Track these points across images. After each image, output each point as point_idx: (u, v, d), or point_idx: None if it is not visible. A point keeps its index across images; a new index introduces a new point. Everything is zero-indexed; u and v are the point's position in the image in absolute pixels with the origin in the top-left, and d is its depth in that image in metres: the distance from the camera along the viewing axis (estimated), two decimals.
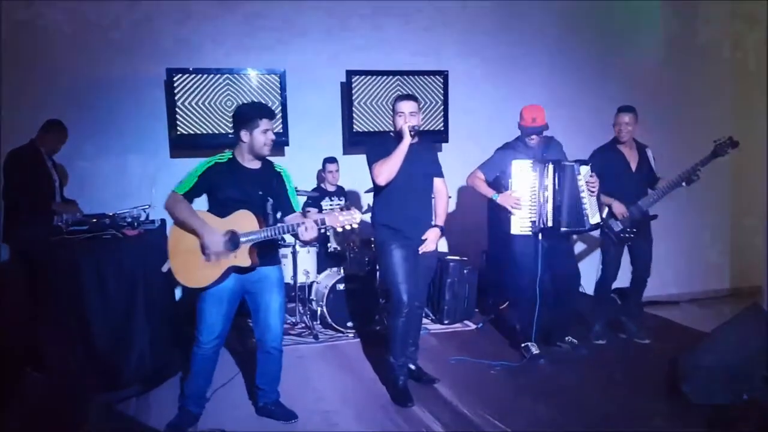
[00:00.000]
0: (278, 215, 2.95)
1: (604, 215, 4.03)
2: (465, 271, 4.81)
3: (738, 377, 3.00)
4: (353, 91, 5.17)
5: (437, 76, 5.36)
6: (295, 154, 5.21)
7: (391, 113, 3.34)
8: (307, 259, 4.70)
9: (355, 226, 2.77)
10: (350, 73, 5.16)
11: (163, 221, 3.95)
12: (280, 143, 5.06)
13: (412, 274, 3.26)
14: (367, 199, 5.34)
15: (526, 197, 3.73)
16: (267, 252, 2.90)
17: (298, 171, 4.99)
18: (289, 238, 4.80)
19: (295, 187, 4.40)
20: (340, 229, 2.77)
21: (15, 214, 4.10)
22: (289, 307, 4.95)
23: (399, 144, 3.19)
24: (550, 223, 3.71)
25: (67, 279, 3.21)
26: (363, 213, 5.24)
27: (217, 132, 4.77)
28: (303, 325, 4.60)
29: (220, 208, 2.81)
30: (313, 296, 4.69)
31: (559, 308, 4.00)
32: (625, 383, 3.50)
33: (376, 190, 3.33)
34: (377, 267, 4.70)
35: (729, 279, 6.01)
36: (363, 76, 5.18)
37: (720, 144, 3.81)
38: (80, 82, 4.76)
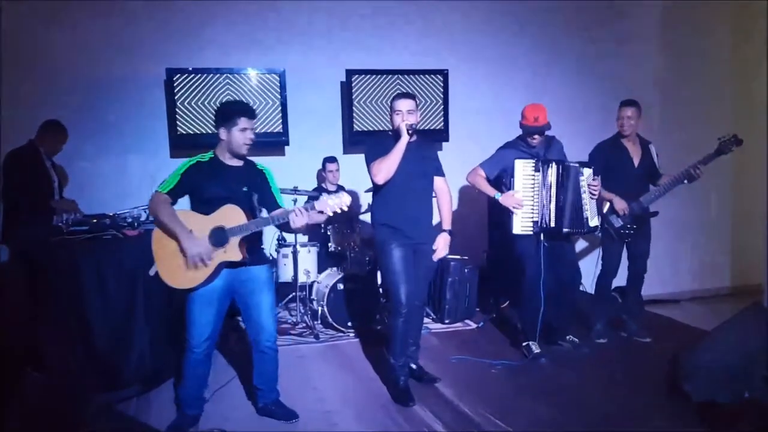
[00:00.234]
0: (263, 212, 2.94)
1: (605, 210, 4.03)
2: (466, 271, 4.81)
3: (739, 376, 2.99)
4: (353, 91, 5.17)
5: (437, 75, 5.36)
6: (296, 153, 5.21)
7: (390, 112, 3.34)
8: (308, 258, 4.70)
9: (345, 208, 2.76)
10: (350, 73, 5.16)
11: None
12: (280, 143, 5.07)
13: (411, 273, 3.25)
14: (367, 199, 5.34)
15: (528, 197, 3.73)
16: (254, 251, 2.90)
17: (298, 171, 5.02)
18: (289, 238, 4.82)
19: (296, 187, 4.47)
20: (330, 213, 2.76)
21: (14, 215, 4.10)
22: (289, 306, 4.97)
23: (397, 143, 3.19)
24: (552, 224, 3.70)
25: (67, 279, 3.21)
26: (362, 213, 5.31)
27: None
28: (304, 324, 4.60)
29: (204, 207, 2.79)
30: (313, 296, 4.68)
31: (560, 307, 4.00)
32: (625, 382, 3.50)
33: (376, 189, 3.33)
34: (378, 266, 4.70)
35: (730, 277, 6.01)
36: (363, 76, 5.18)
37: (724, 141, 3.80)
38: (80, 82, 4.76)
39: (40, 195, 4.15)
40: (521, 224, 3.75)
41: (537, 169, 3.71)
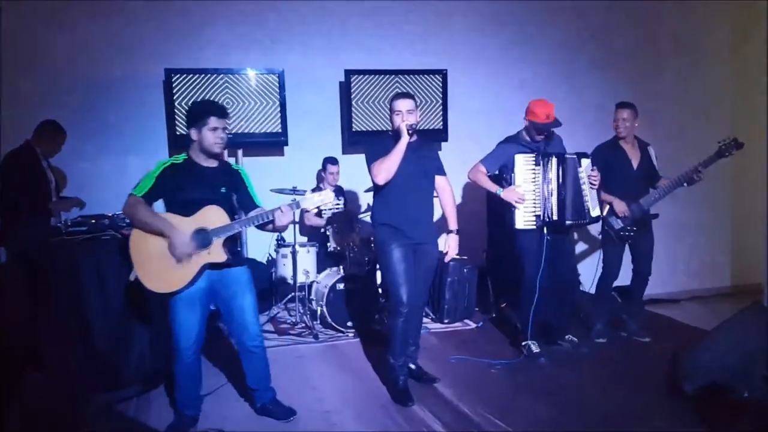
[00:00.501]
0: (241, 213, 2.93)
1: (605, 213, 4.03)
2: (465, 270, 4.81)
3: (739, 376, 2.99)
4: (352, 91, 5.17)
5: (436, 75, 5.35)
6: (295, 153, 5.22)
7: (389, 112, 3.34)
8: (307, 258, 4.70)
9: (329, 206, 2.80)
10: (349, 73, 5.16)
11: None
12: (279, 143, 5.07)
13: (412, 273, 3.25)
14: (367, 199, 5.36)
15: (530, 191, 3.73)
16: (234, 252, 2.89)
17: (297, 171, 5.03)
18: (289, 238, 4.82)
19: (295, 187, 4.47)
20: (315, 210, 2.80)
21: (13, 216, 4.10)
22: (288, 306, 4.97)
23: (397, 143, 3.19)
24: (555, 216, 3.70)
25: (67, 279, 3.21)
26: (362, 212, 5.31)
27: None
28: (303, 324, 4.60)
29: (183, 209, 2.74)
30: (313, 296, 4.68)
31: (560, 307, 4.01)
32: (625, 382, 3.50)
33: (376, 189, 3.33)
34: (377, 266, 4.71)
35: (730, 277, 6.01)
36: (362, 76, 5.18)
37: (724, 145, 3.80)
38: (80, 82, 4.77)
39: (38, 196, 4.15)
40: (524, 219, 3.74)
41: (537, 163, 3.71)
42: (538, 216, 3.73)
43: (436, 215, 3.46)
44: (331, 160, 5.01)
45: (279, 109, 4.96)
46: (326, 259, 4.86)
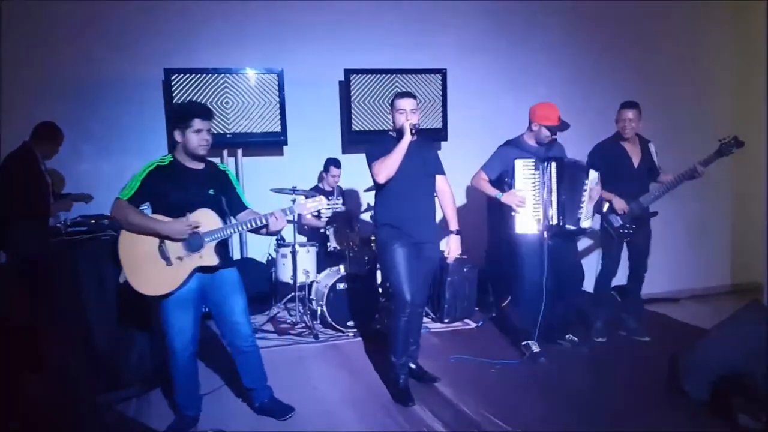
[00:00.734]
0: (230, 214, 2.92)
1: (604, 210, 4.03)
2: (465, 270, 4.81)
3: (738, 374, 2.99)
4: (352, 90, 5.17)
5: (436, 75, 5.35)
6: (294, 153, 5.22)
7: (390, 111, 3.33)
8: (307, 258, 4.70)
9: (323, 210, 2.82)
10: (349, 72, 5.15)
11: None
12: (278, 142, 5.07)
13: (414, 273, 3.25)
14: (367, 198, 5.36)
15: (530, 196, 3.73)
16: (224, 254, 2.88)
17: (296, 170, 5.02)
18: (289, 238, 4.82)
19: (294, 187, 4.47)
20: (309, 216, 2.82)
21: (12, 218, 4.09)
22: (289, 306, 4.97)
23: (399, 142, 3.18)
24: (554, 221, 3.70)
25: (67, 279, 3.21)
26: (363, 211, 5.31)
27: (214, 132, 4.73)
28: (303, 324, 4.59)
29: (170, 212, 2.72)
30: (313, 296, 4.68)
31: (561, 307, 4.00)
32: (625, 381, 3.50)
33: (377, 189, 3.32)
34: (377, 266, 4.70)
35: (730, 276, 6.01)
36: (362, 75, 5.18)
37: (725, 143, 3.81)
38: (79, 83, 4.76)
39: (37, 198, 4.15)
40: (524, 223, 3.74)
41: (537, 168, 3.72)
42: (538, 221, 3.73)
43: (437, 215, 3.46)
44: (334, 163, 5.00)
45: (278, 108, 4.96)
46: (326, 258, 4.86)
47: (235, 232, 2.79)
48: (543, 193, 3.71)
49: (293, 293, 4.71)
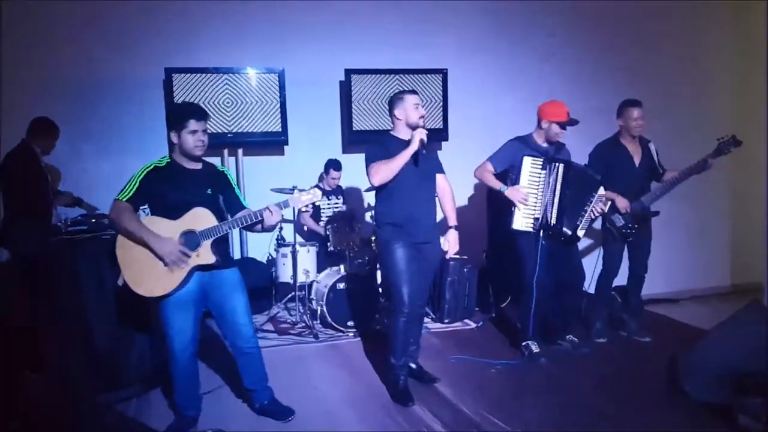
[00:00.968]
0: (229, 215, 2.91)
1: (606, 209, 4.03)
2: (465, 270, 4.81)
3: (738, 375, 3.00)
4: (352, 90, 5.16)
5: (436, 75, 5.35)
6: (295, 153, 5.21)
7: (393, 107, 3.30)
8: (307, 258, 4.70)
9: (317, 203, 2.79)
10: (349, 72, 5.15)
11: None
12: (279, 142, 5.07)
13: (414, 273, 3.25)
14: (368, 198, 5.35)
15: (533, 194, 3.72)
16: (223, 254, 2.87)
17: (297, 170, 5.02)
18: (289, 238, 4.82)
19: (295, 186, 4.46)
20: (304, 209, 2.81)
21: (15, 215, 4.10)
22: (289, 306, 4.97)
23: (403, 143, 3.19)
24: (553, 221, 3.69)
25: (67, 279, 3.21)
26: (364, 212, 5.31)
27: (215, 131, 4.76)
28: (303, 324, 4.60)
29: (168, 213, 2.72)
30: (313, 295, 4.68)
31: (562, 308, 4.00)
32: (625, 382, 3.50)
33: (378, 189, 3.32)
34: (377, 266, 4.70)
35: (730, 276, 6.01)
36: (362, 75, 5.18)
37: (723, 142, 3.81)
38: (80, 82, 4.76)
39: (39, 195, 4.15)
40: (522, 220, 3.75)
41: (544, 167, 3.71)
42: (536, 219, 3.73)
43: (438, 215, 3.46)
44: (334, 165, 5.00)
45: (279, 108, 4.96)
46: (326, 258, 4.86)
47: (230, 230, 2.78)
48: (547, 193, 3.70)
49: (293, 293, 4.71)
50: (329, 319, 4.41)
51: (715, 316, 3.94)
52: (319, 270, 4.78)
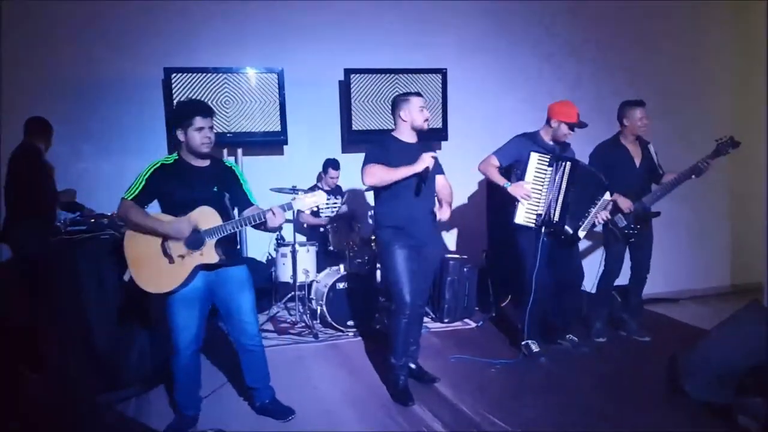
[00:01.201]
0: (235, 210, 2.91)
1: (609, 216, 4.03)
2: (465, 270, 4.81)
3: (738, 374, 3.00)
4: (352, 90, 5.16)
5: (436, 74, 5.35)
6: (294, 152, 5.21)
7: (397, 109, 3.29)
8: (307, 258, 4.70)
9: (322, 206, 2.78)
10: (349, 72, 5.15)
11: None
12: (278, 142, 5.07)
13: (415, 274, 3.25)
14: (368, 198, 5.35)
15: (537, 190, 3.72)
16: (231, 252, 2.88)
17: (296, 170, 5.02)
18: (288, 237, 4.82)
19: (294, 186, 4.47)
20: (307, 211, 2.80)
21: (20, 215, 4.10)
22: (289, 306, 4.97)
23: (402, 145, 3.21)
24: (556, 219, 3.69)
25: (67, 279, 3.21)
26: (364, 212, 5.31)
27: (215, 131, 4.75)
28: (303, 324, 4.60)
29: (174, 210, 2.74)
30: (312, 295, 4.68)
31: (562, 307, 4.00)
32: (625, 381, 3.50)
33: (378, 190, 3.32)
34: (377, 266, 4.70)
35: (730, 276, 6.01)
36: (362, 75, 5.17)
37: (722, 143, 3.82)
38: (79, 82, 4.76)
39: (44, 194, 4.16)
40: (525, 215, 3.74)
41: (551, 165, 3.71)
42: (539, 215, 3.72)
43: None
44: (332, 164, 5.00)
45: (278, 108, 4.95)
46: (326, 258, 4.86)
47: (234, 230, 2.78)
48: (551, 190, 3.70)
49: (293, 293, 4.71)
50: (329, 319, 4.42)
51: (715, 316, 3.95)
52: (319, 270, 4.78)
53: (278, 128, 4.98)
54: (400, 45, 5.36)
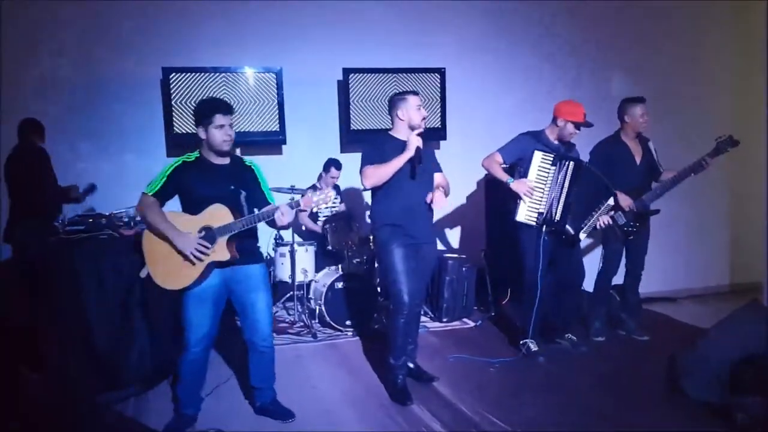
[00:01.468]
0: (254, 210, 2.91)
1: (610, 213, 4.03)
2: (464, 269, 4.82)
3: (737, 374, 3.00)
4: (350, 89, 5.16)
5: (434, 74, 5.35)
6: (293, 152, 5.21)
7: (394, 107, 3.29)
8: (305, 257, 4.70)
9: (330, 204, 2.79)
10: (347, 71, 5.15)
11: None
12: (277, 141, 5.07)
13: (413, 273, 3.25)
14: (366, 198, 5.35)
15: (540, 189, 3.72)
16: (249, 250, 2.89)
17: (295, 169, 5.02)
18: (287, 237, 4.82)
19: (293, 186, 4.47)
20: (315, 209, 2.81)
21: (22, 215, 4.11)
22: (287, 305, 4.97)
23: (399, 144, 3.19)
24: (557, 218, 3.69)
25: (67, 279, 3.21)
26: (362, 211, 5.31)
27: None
28: (301, 323, 4.60)
29: (193, 207, 2.78)
30: (311, 295, 4.69)
31: (562, 307, 4.01)
32: (624, 381, 3.50)
33: (375, 189, 3.32)
34: (376, 265, 4.71)
35: (729, 275, 6.01)
36: (360, 74, 5.18)
37: (721, 142, 3.82)
38: (78, 82, 4.76)
39: (48, 194, 4.17)
40: (526, 213, 3.74)
41: (554, 164, 3.71)
42: (540, 213, 3.73)
43: (435, 216, 3.46)
44: (335, 164, 4.99)
45: (277, 107, 4.96)
46: (324, 257, 4.86)
47: (244, 227, 2.79)
48: (554, 189, 3.71)
49: (291, 292, 4.72)
50: (327, 319, 4.42)
51: (714, 315, 3.94)
52: (318, 269, 4.78)
53: (277, 128, 4.98)
54: (399, 45, 5.36)
